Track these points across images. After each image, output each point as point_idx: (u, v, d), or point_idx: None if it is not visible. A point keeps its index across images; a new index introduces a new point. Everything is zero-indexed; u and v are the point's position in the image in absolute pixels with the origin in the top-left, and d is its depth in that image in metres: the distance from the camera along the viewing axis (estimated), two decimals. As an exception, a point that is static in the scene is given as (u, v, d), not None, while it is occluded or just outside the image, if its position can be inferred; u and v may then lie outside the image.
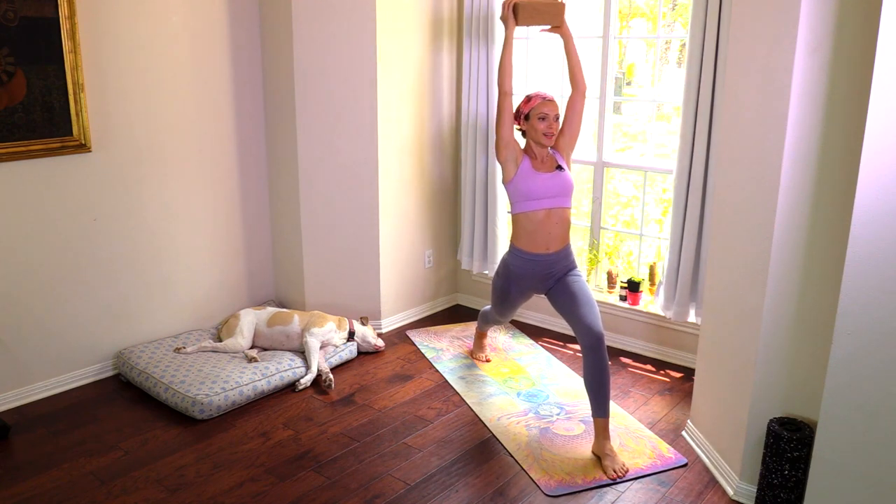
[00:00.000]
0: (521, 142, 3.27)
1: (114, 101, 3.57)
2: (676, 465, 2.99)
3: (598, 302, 3.98)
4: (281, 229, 4.40)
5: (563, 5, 3.25)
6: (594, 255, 4.26)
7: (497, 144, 3.17)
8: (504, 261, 3.34)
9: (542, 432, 3.22)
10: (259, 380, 3.50)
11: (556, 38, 4.24)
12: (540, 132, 3.10)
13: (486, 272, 4.58)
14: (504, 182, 3.19)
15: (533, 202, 3.12)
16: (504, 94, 3.16)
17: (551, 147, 3.21)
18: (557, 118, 3.12)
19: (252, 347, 3.86)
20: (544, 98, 3.12)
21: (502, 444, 3.14)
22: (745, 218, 2.67)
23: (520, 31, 4.31)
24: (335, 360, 3.87)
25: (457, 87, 4.53)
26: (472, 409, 3.45)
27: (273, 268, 4.52)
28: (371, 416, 3.39)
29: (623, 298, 4.14)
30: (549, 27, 3.29)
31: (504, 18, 3.21)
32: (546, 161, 3.16)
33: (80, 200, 3.53)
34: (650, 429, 3.27)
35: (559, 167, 3.16)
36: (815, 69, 2.34)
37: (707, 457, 3.01)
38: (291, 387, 3.64)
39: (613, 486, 2.85)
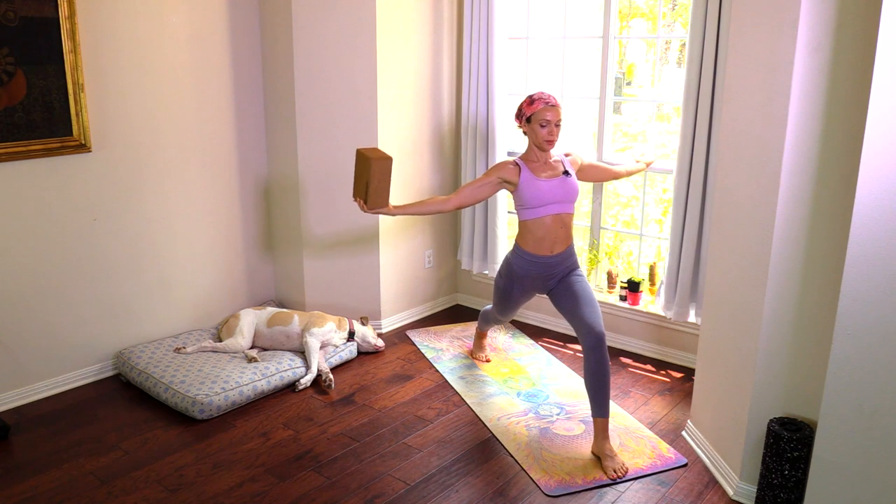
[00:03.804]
0: (522, 141, 3.26)
1: (114, 101, 3.57)
2: (676, 465, 2.99)
3: (598, 302, 3.98)
4: (281, 229, 4.39)
5: (361, 155, 3.07)
6: (594, 255, 4.26)
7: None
8: (507, 261, 3.34)
9: (542, 432, 3.22)
10: (259, 380, 3.50)
11: (558, 39, 4.24)
12: (541, 138, 3.08)
13: (486, 272, 4.58)
14: (511, 192, 3.20)
15: (539, 209, 3.11)
16: (458, 206, 3.23)
17: (566, 154, 3.23)
18: (559, 124, 3.09)
19: (252, 347, 3.86)
20: (548, 103, 3.06)
21: (502, 444, 3.14)
22: (746, 218, 2.67)
23: (519, 31, 4.31)
24: (335, 360, 3.87)
25: (457, 87, 4.53)
26: (472, 409, 3.45)
27: (273, 268, 4.52)
28: (371, 416, 3.39)
29: (623, 298, 4.14)
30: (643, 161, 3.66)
31: (378, 213, 3.15)
32: (549, 164, 3.16)
33: (80, 200, 3.53)
34: (650, 429, 3.27)
35: (566, 172, 3.15)
36: (816, 69, 2.34)
37: (707, 457, 3.01)
38: (291, 387, 3.64)
39: (613, 486, 2.85)
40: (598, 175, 3.48)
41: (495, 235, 4.43)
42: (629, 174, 3.62)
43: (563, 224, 3.16)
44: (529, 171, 3.12)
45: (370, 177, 3.02)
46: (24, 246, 3.38)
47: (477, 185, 3.21)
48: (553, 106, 3.07)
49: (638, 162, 3.70)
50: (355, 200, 3.15)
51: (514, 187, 3.14)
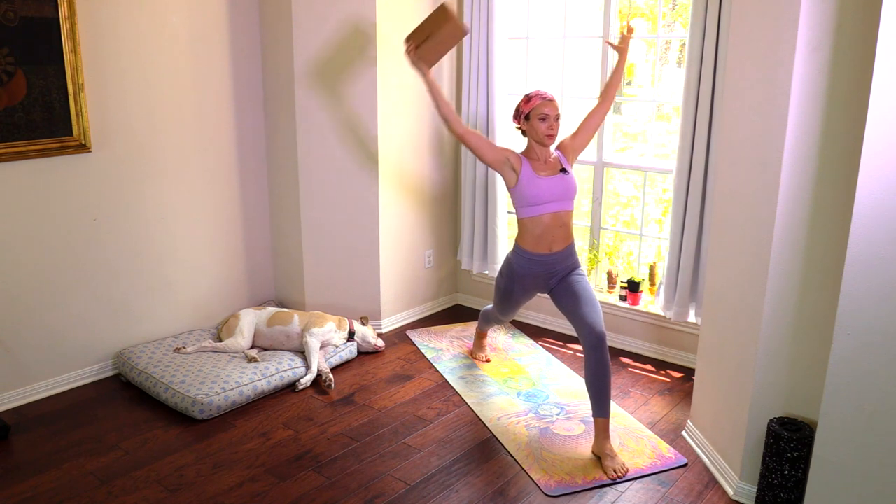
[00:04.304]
0: (522, 142, 3.26)
1: (114, 101, 3.57)
2: (676, 465, 2.99)
3: (598, 302, 3.99)
4: (281, 229, 4.40)
5: (444, 10, 3.12)
6: (594, 255, 4.26)
7: (490, 166, 3.20)
8: (508, 260, 3.34)
9: (542, 432, 3.22)
10: (259, 380, 3.50)
11: (558, 39, 4.24)
12: (541, 133, 3.09)
13: (486, 272, 4.58)
14: (508, 187, 3.19)
15: (538, 207, 3.11)
16: (460, 135, 3.17)
17: (557, 149, 3.22)
18: (558, 118, 3.10)
19: (252, 347, 3.86)
20: (544, 98, 3.09)
21: (502, 444, 3.14)
22: (745, 218, 2.67)
23: (519, 31, 4.31)
24: (335, 360, 3.87)
25: (457, 87, 4.53)
26: (472, 409, 3.45)
27: (273, 268, 4.52)
28: (371, 416, 3.39)
29: (623, 298, 4.14)
30: (617, 44, 3.26)
31: (415, 69, 3.18)
32: (549, 162, 3.16)
33: (80, 200, 3.53)
34: (650, 429, 3.27)
35: (563, 170, 3.15)
36: (816, 69, 2.34)
37: (707, 457, 3.01)
38: (291, 387, 3.64)
39: (613, 486, 2.85)
40: (590, 126, 3.27)
41: (495, 235, 4.43)
42: (615, 84, 3.26)
43: (562, 223, 3.16)
44: (531, 168, 3.12)
45: (437, 32, 3.06)
46: (24, 246, 3.38)
47: (487, 142, 3.20)
48: (550, 100, 3.09)
49: (616, 48, 3.27)
50: (406, 42, 3.16)
51: (514, 177, 3.12)
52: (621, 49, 3.27)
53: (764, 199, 2.53)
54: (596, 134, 3.50)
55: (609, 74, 3.30)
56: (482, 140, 3.20)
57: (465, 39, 4.25)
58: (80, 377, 3.66)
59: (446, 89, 4.47)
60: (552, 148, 3.21)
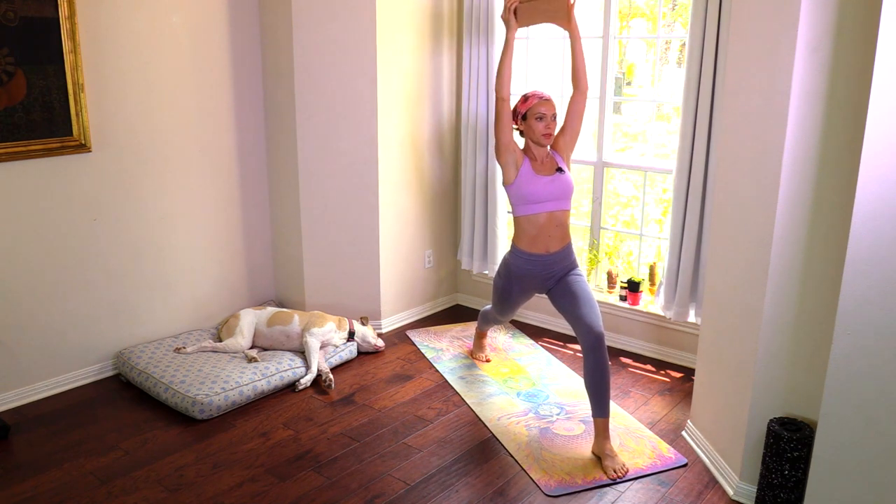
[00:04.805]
0: (520, 141, 3.27)
1: (114, 101, 3.57)
2: (676, 465, 2.99)
3: (598, 302, 3.99)
4: (281, 229, 4.40)
5: (566, 1, 3.13)
6: (594, 255, 4.26)
7: (497, 148, 3.16)
8: (505, 261, 3.34)
9: (542, 432, 3.22)
10: (259, 380, 3.50)
11: (558, 39, 4.24)
12: (538, 133, 3.10)
13: (486, 272, 4.58)
14: (505, 184, 3.19)
15: (534, 206, 3.11)
16: (501, 99, 3.13)
17: (551, 147, 3.21)
18: (555, 118, 3.11)
19: (252, 347, 3.86)
20: (541, 98, 3.11)
21: (502, 444, 3.14)
22: (746, 218, 2.67)
23: (519, 31, 4.30)
24: (335, 360, 3.87)
25: (457, 87, 4.53)
26: (472, 409, 3.45)
27: (273, 268, 4.52)
28: (371, 416, 3.39)
29: (623, 298, 4.14)
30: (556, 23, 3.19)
31: (505, 19, 3.17)
32: (546, 162, 3.16)
33: (80, 200, 3.53)
34: (650, 429, 3.27)
35: (559, 169, 3.15)
36: (815, 69, 2.34)
37: (707, 457, 3.01)
38: (291, 387, 3.64)
39: (613, 486, 2.85)
40: (574, 113, 3.19)
41: (495, 235, 4.43)
42: (580, 66, 3.16)
43: (559, 223, 3.16)
44: (530, 167, 3.12)
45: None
46: (24, 246, 3.38)
47: (511, 124, 3.14)
48: (547, 100, 3.10)
49: (559, 24, 3.18)
50: None
51: (514, 174, 3.12)
52: (565, 23, 3.14)
53: (764, 199, 2.53)
54: (590, 130, 3.47)
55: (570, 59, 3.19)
56: (510, 120, 3.16)
57: (466, 39, 4.25)
58: (80, 377, 3.66)
59: (446, 89, 4.47)
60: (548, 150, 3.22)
